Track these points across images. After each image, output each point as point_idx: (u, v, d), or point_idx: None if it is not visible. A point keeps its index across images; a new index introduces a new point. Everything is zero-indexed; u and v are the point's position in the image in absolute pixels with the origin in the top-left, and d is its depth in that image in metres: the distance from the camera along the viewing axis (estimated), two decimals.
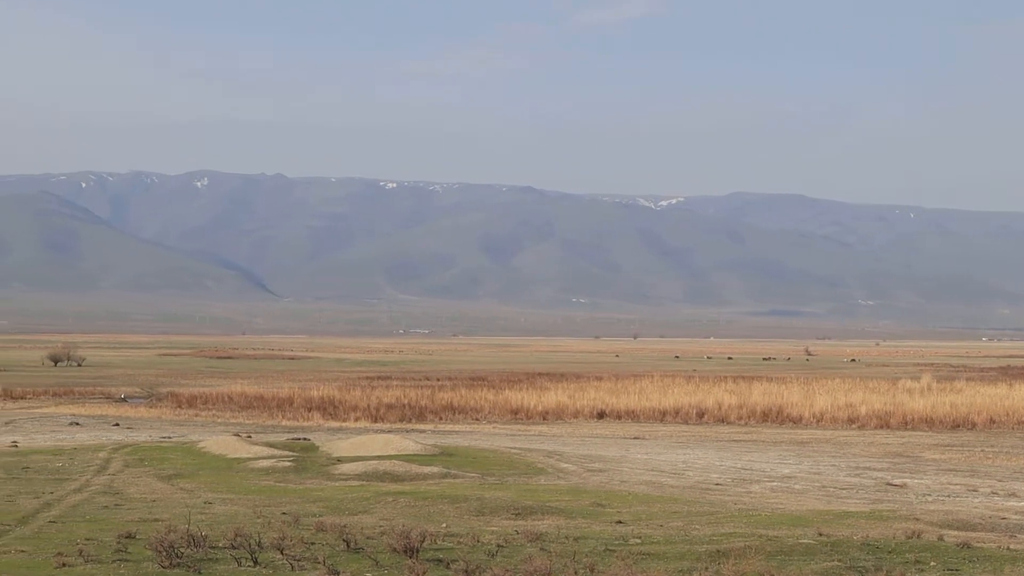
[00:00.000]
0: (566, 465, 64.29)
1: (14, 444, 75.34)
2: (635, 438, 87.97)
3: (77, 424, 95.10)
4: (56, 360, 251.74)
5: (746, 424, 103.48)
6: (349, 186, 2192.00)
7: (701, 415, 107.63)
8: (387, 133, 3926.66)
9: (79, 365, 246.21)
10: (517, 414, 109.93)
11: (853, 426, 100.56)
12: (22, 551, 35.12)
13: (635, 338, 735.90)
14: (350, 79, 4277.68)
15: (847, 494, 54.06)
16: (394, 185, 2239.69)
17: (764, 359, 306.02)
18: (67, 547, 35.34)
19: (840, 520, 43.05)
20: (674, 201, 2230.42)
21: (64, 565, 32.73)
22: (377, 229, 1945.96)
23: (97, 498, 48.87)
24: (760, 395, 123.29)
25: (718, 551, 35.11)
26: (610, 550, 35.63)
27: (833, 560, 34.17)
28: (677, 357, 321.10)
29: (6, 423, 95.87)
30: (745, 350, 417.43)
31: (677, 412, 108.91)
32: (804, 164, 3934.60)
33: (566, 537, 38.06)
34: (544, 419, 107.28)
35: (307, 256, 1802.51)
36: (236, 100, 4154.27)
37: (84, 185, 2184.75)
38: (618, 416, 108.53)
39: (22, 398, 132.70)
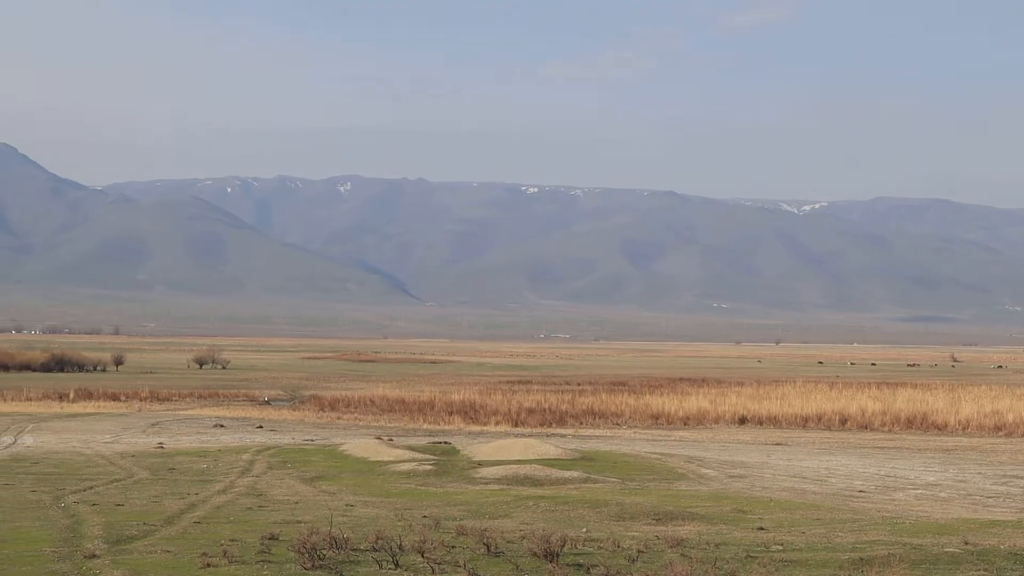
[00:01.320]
0: (707, 471, 63.85)
1: (160, 446, 76.41)
2: (777, 444, 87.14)
3: (221, 426, 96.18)
4: (201, 363, 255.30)
5: (890, 431, 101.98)
6: (490, 191, 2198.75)
7: (844, 421, 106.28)
8: (529, 138, 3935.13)
9: (224, 368, 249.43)
10: (658, 419, 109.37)
11: (1000, 433, 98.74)
12: (168, 551, 35.61)
13: (777, 343, 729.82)
14: (492, 84, 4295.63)
15: (994, 503, 53.05)
16: (535, 190, 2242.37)
17: (908, 365, 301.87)
18: (211, 547, 35.76)
19: (987, 529, 42.25)
20: (817, 206, 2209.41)
21: (209, 565, 33.11)
22: (518, 234, 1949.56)
23: (241, 500, 49.40)
24: (904, 402, 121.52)
25: (861, 559, 34.63)
26: (751, 556, 35.30)
27: (979, 570, 33.55)
28: (820, 363, 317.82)
29: (152, 425, 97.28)
30: (889, 356, 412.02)
31: (820, 418, 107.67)
32: (948, 168, 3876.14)
33: (707, 543, 37.77)
34: (685, 424, 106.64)
35: (448, 260, 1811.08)
36: (380, 105, 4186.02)
37: (230, 190, 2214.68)
38: (760, 422, 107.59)
39: (168, 400, 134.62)
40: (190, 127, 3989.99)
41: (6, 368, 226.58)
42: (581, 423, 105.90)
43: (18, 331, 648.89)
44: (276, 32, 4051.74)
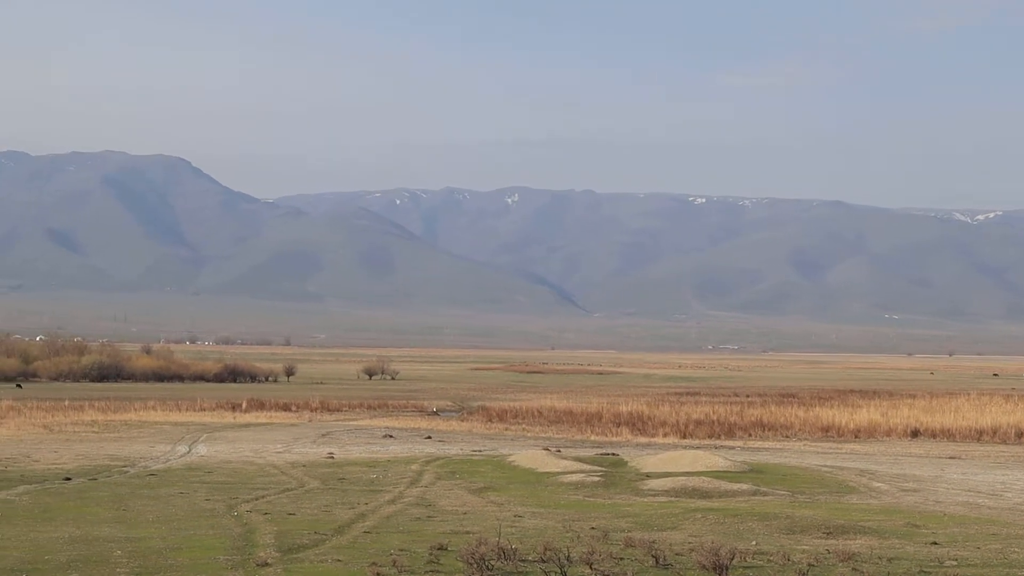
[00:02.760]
0: (878, 484, 62.94)
1: (330, 456, 77.25)
2: (950, 458, 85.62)
3: (391, 437, 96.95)
4: (371, 373, 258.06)
5: None
6: (657, 201, 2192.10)
7: (1020, 435, 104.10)
8: (696, 148, 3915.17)
9: (393, 378, 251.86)
10: (828, 431, 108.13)
11: None
12: (338, 560, 35.97)
13: (950, 355, 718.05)
14: (657, 94, 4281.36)
15: None
16: (703, 200, 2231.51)
17: None
18: (381, 557, 36.03)
19: None
20: (992, 215, 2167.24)
21: (378, 575, 33.37)
22: (685, 244, 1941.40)
23: (410, 510, 49.74)
24: None
25: None
26: (925, 572, 34.72)
27: None
28: (995, 375, 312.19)
29: (323, 435, 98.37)
30: None
31: (995, 431, 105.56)
32: None
33: (879, 558, 37.20)
34: (856, 437, 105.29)
35: (616, 272, 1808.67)
36: (547, 117, 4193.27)
37: (398, 202, 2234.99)
38: (933, 435, 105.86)
39: (338, 410, 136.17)
40: (359, 141, 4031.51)
41: (180, 378, 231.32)
42: (750, 435, 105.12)
43: (192, 342, 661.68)
44: (445, 45, 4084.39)
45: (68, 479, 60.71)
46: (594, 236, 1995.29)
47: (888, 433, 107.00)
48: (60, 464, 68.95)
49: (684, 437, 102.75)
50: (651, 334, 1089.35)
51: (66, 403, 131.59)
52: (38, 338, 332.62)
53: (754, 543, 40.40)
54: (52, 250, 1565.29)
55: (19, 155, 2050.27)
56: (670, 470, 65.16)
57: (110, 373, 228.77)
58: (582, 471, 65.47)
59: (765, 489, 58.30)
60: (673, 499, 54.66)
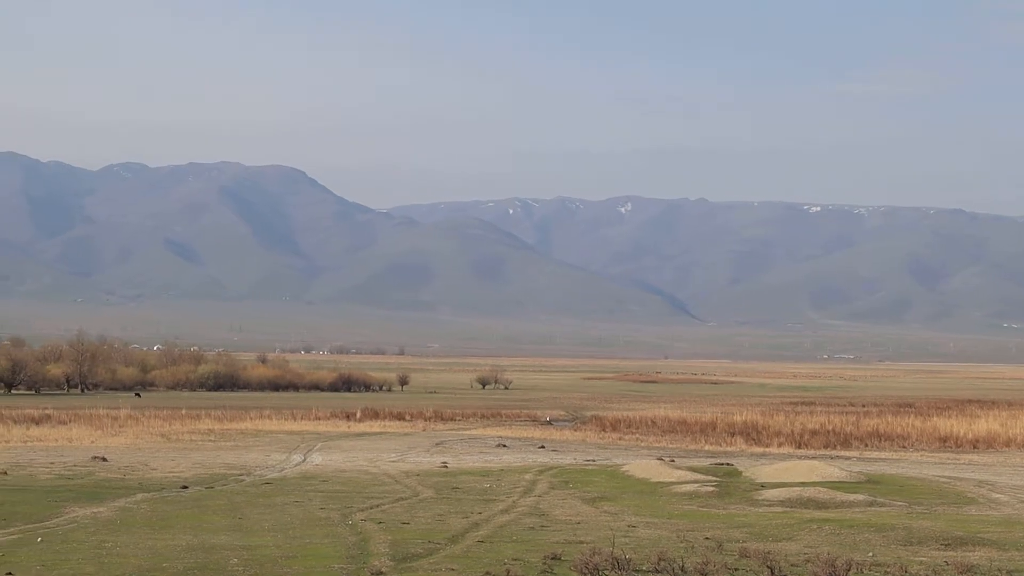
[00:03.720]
0: (998, 495, 62.02)
1: (444, 465, 77.50)
2: None
3: (504, 446, 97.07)
4: (484, 383, 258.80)
5: None
6: (771, 210, 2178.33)
7: None
8: (810, 156, 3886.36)
9: (506, 388, 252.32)
10: (945, 442, 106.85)
11: None
12: (452, 569, 36.04)
13: None
14: (770, 102, 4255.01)
15: None
16: (818, 209, 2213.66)
17: None
18: (495, 567, 36.05)
19: None
20: None
21: None
22: (800, 253, 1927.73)
23: (523, 519, 49.74)
24: None
25: None
26: None
27: None
28: None
29: (437, 444, 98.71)
30: None
31: None
32: None
33: (999, 570, 36.66)
34: (974, 447, 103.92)
35: (729, 280, 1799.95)
36: (659, 125, 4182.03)
37: (511, 212, 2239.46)
38: None
39: (451, 420, 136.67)
40: (472, 151, 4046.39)
41: (296, 387, 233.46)
42: (866, 445, 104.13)
43: (307, 351, 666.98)
44: (557, 55, 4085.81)
45: (185, 487, 61.40)
46: (707, 245, 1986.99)
47: (1008, 444, 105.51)
48: (177, 473, 69.77)
49: (799, 447, 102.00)
50: (765, 343, 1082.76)
51: (183, 412, 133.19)
52: (156, 348, 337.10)
53: (870, 555, 39.98)
54: (170, 260, 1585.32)
55: (138, 167, 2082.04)
56: (785, 480, 64.67)
57: (226, 382, 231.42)
58: (696, 481, 65.18)
59: (882, 500, 57.68)
60: (788, 510, 54.22)
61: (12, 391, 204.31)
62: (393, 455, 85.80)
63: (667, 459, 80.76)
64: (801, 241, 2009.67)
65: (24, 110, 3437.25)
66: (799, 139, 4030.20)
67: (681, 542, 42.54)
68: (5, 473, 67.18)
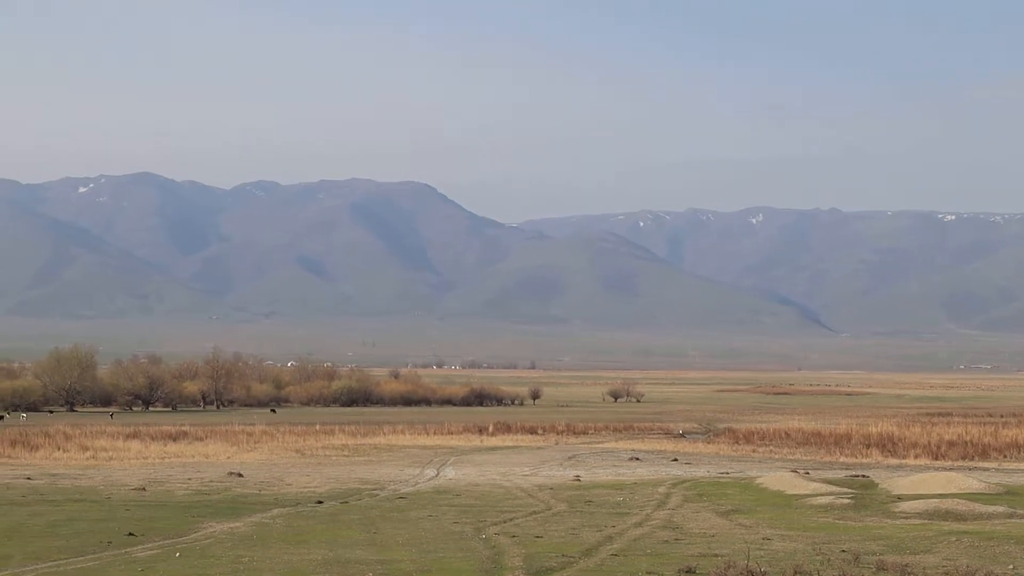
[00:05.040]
0: None
1: (577, 478, 77.48)
2: None
3: (636, 459, 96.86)
4: (616, 396, 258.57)
5: None
6: (905, 219, 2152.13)
7: None
8: (945, 164, 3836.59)
9: (638, 401, 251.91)
10: None
11: None
12: None
13: None
14: (901, 109, 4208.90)
15: None
16: (952, 217, 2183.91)
17: None
18: None
19: None
20: None
21: None
22: (935, 262, 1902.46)
23: (657, 532, 49.57)
24: None
25: None
26: None
27: None
28: None
29: (569, 457, 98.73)
30: None
31: None
32: None
33: None
34: None
35: (862, 291, 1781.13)
36: (790, 135, 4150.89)
37: (642, 224, 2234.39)
38: None
39: (584, 433, 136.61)
40: (601, 164, 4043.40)
41: (428, 402, 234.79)
42: (1005, 456, 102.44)
43: (439, 366, 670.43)
44: (686, 65, 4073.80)
45: (320, 502, 61.94)
46: (841, 255, 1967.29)
47: None
48: (312, 488, 70.39)
49: (936, 459, 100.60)
50: (899, 353, 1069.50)
51: (317, 427, 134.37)
52: (289, 364, 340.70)
53: (1011, 567, 39.35)
54: (302, 277, 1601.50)
55: (270, 185, 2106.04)
56: (922, 492, 63.86)
57: (359, 397, 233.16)
58: (831, 493, 64.60)
59: (1022, 512, 56.74)
60: (926, 521, 53.53)
61: (150, 408, 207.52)
62: (526, 469, 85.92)
63: (801, 471, 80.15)
64: (936, 250, 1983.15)
65: (160, 132, 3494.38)
66: (931, 147, 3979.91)
67: (817, 555, 42.16)
68: (143, 489, 68.23)
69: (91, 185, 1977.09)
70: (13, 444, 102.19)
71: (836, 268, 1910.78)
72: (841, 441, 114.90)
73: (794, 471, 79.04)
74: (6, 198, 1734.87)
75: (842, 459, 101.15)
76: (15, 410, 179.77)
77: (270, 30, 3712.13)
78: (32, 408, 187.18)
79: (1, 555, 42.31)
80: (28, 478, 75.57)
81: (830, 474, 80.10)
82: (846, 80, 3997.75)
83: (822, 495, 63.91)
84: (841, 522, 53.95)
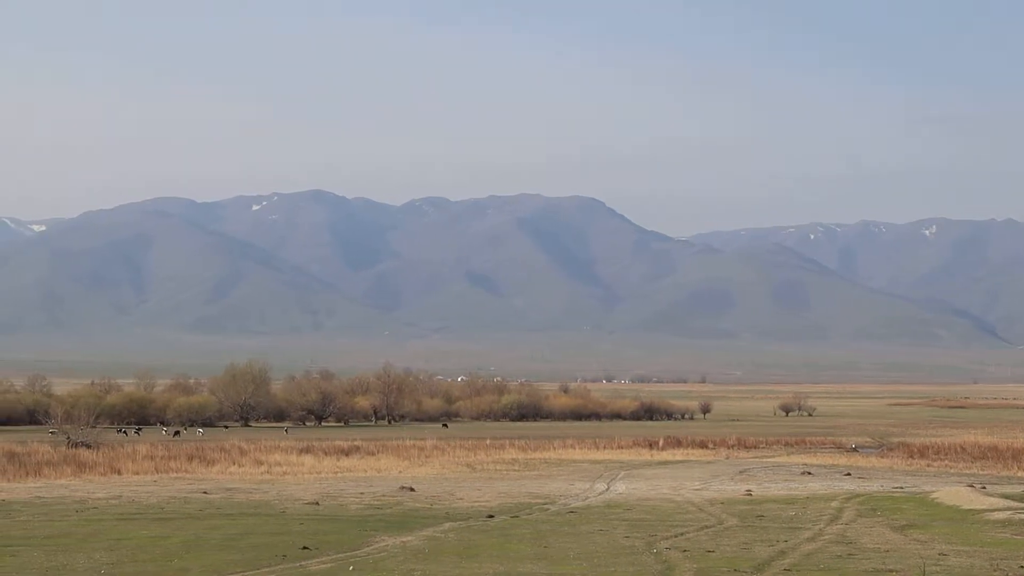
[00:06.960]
0: None
1: (748, 493, 76.98)
2: None
3: (808, 473, 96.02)
4: (787, 410, 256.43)
5: None
6: None
7: None
8: None
9: (809, 415, 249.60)
10: None
11: None
12: None
13: None
14: None
15: None
16: None
17: None
18: None
19: None
20: None
21: None
22: None
23: (830, 547, 49.07)
24: None
25: None
26: None
27: None
28: None
29: (740, 472, 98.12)
30: None
31: None
32: None
33: None
34: None
35: None
36: (963, 144, 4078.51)
37: (812, 237, 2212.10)
38: None
39: (755, 447, 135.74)
40: (773, 176, 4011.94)
41: (598, 416, 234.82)
42: None
43: (608, 380, 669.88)
44: (850, 76, 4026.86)
45: (491, 516, 62.22)
46: (1017, 266, 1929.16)
47: None
48: (483, 502, 70.74)
49: None
50: None
51: (487, 442, 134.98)
52: (459, 379, 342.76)
53: None
54: (472, 292, 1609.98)
55: (440, 200, 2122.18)
56: None
57: (529, 412, 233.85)
58: (1010, 508, 63.40)
59: None
60: None
61: (322, 423, 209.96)
62: (696, 483, 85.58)
63: (978, 486, 78.81)
64: None
65: (331, 150, 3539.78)
66: None
67: (995, 571, 41.44)
68: (317, 503, 69.12)
69: (264, 203, 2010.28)
70: (190, 459, 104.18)
71: (1013, 280, 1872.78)
72: (1019, 455, 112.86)
73: (970, 485, 77.75)
74: (182, 216, 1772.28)
75: (1020, 474, 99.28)
76: (192, 425, 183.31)
77: (439, 52, 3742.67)
78: (208, 423, 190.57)
79: (180, 568, 43.15)
80: (205, 492, 76.98)
81: (1008, 489, 78.67)
82: (1020, 88, 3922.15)
83: (1000, 510, 62.76)
84: (1020, 538, 52.93)
